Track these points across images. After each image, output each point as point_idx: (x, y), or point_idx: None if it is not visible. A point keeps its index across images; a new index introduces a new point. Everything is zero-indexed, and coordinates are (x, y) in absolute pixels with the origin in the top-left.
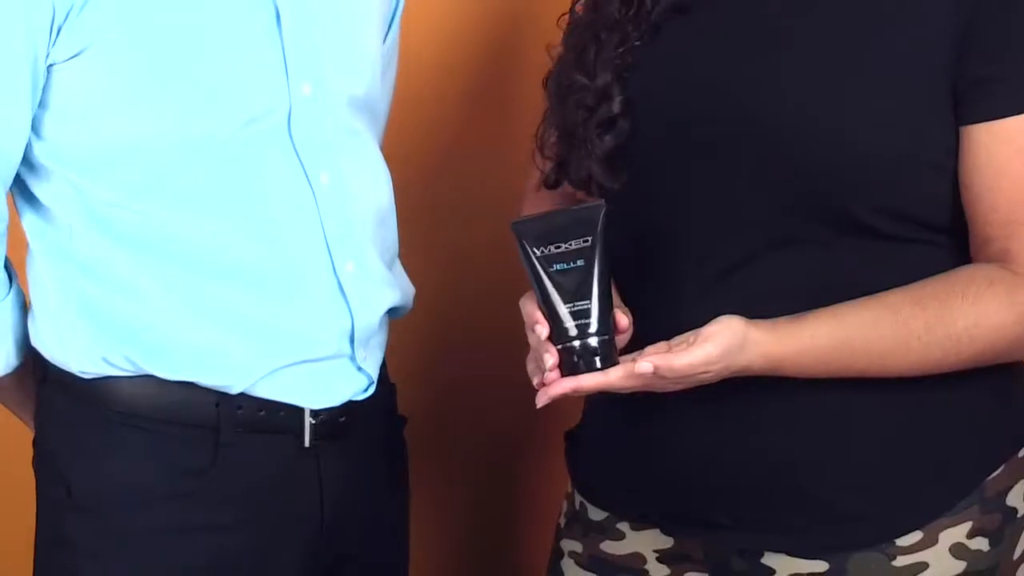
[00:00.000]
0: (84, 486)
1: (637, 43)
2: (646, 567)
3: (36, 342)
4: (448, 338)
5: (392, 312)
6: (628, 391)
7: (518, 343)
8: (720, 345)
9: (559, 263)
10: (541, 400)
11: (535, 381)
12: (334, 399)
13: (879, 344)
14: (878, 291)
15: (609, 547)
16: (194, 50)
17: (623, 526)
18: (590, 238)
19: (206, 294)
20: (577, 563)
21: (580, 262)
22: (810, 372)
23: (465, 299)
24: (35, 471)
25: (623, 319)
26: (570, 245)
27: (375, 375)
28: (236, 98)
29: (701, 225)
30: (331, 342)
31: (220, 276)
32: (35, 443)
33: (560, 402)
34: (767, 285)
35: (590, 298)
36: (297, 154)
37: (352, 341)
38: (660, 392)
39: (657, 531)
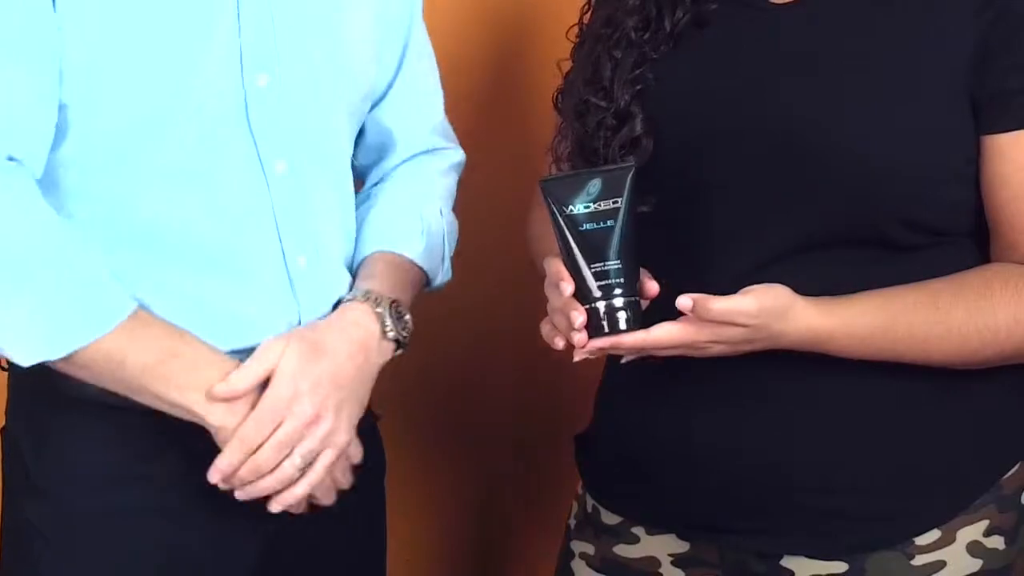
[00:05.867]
0: (40, 470)
1: (655, 56)
2: (660, 571)
3: None
4: (455, 339)
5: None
6: (666, 352)
7: (525, 345)
8: (760, 301)
9: (587, 223)
10: (579, 355)
11: (558, 342)
12: None
13: (920, 329)
14: None
15: (623, 550)
16: (149, 33)
17: (638, 530)
18: (619, 200)
19: (153, 275)
20: (589, 564)
21: (608, 222)
22: (851, 351)
23: (475, 302)
24: (2, 457)
25: (652, 284)
26: (599, 206)
27: None
28: (188, 82)
29: (723, 237)
30: (277, 331)
31: (169, 257)
32: (2, 430)
33: (568, 403)
34: None
35: (617, 259)
36: (254, 141)
37: None
38: (679, 380)
39: (672, 535)
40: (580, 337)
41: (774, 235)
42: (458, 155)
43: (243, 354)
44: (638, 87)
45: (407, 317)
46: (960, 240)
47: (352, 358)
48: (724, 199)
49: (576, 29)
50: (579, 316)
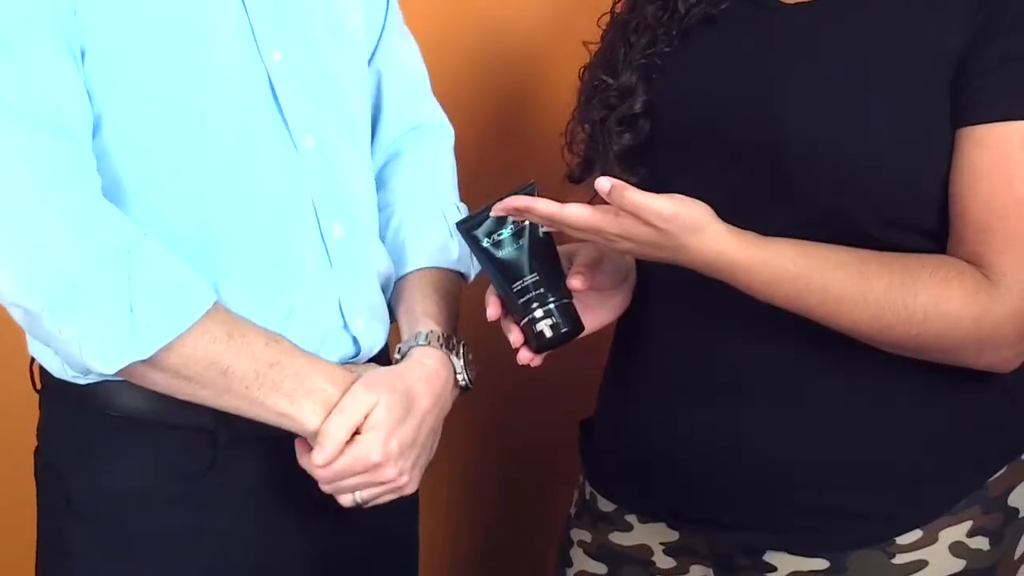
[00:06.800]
0: (82, 492)
1: (667, 48)
2: (653, 559)
3: (33, 351)
4: (466, 326)
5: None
6: (576, 234)
7: None
8: (676, 207)
9: (503, 249)
10: (535, 360)
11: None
12: None
13: (837, 287)
14: None
15: (617, 538)
16: (160, 18)
17: (631, 518)
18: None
19: (193, 251)
20: (586, 552)
21: (521, 242)
22: (759, 290)
23: (475, 288)
24: (36, 481)
25: (575, 280)
26: (510, 230)
27: (368, 348)
28: (208, 63)
29: None
30: (320, 309)
31: (204, 242)
32: (36, 452)
33: (573, 395)
34: None
35: (532, 272)
36: (283, 118)
37: (342, 310)
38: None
39: (663, 524)
40: (522, 354)
41: (767, 232)
42: (449, 130)
43: (287, 332)
44: (645, 67)
45: (471, 358)
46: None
47: (433, 410)
48: (719, 193)
49: (607, 18)
50: (511, 334)
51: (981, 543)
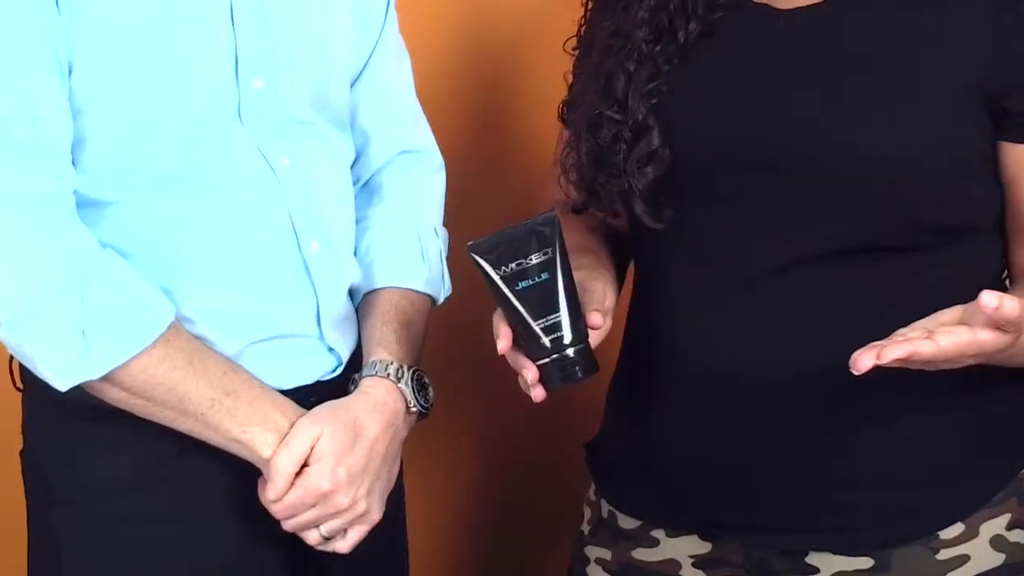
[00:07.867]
0: (60, 480)
1: (666, 67)
2: (681, 573)
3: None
4: (463, 349)
5: (352, 295)
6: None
7: None
8: None
9: (523, 280)
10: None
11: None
12: (303, 379)
13: None
14: (931, 293)
15: (642, 554)
16: (148, 38)
17: (658, 533)
18: (549, 250)
19: (171, 276)
20: (605, 570)
21: (544, 275)
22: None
23: (484, 310)
24: (24, 481)
25: (596, 318)
26: (531, 260)
27: (345, 356)
28: (186, 90)
29: (739, 245)
30: (297, 322)
31: (185, 258)
32: (22, 452)
33: (575, 412)
34: (818, 300)
35: (559, 310)
36: (253, 140)
37: (319, 321)
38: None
39: (694, 537)
40: (536, 392)
41: (790, 242)
42: (438, 156)
43: (263, 348)
44: (653, 100)
45: (429, 387)
46: (979, 236)
47: (383, 437)
48: (741, 209)
49: (574, 41)
50: (530, 373)
51: (1020, 536)
